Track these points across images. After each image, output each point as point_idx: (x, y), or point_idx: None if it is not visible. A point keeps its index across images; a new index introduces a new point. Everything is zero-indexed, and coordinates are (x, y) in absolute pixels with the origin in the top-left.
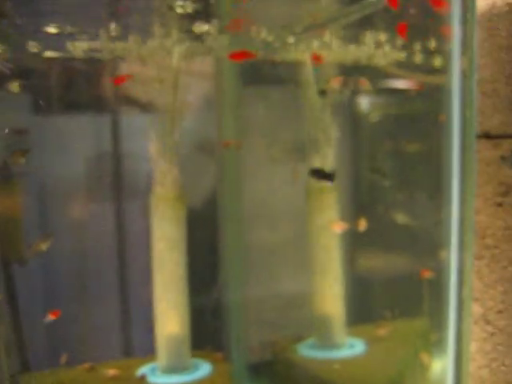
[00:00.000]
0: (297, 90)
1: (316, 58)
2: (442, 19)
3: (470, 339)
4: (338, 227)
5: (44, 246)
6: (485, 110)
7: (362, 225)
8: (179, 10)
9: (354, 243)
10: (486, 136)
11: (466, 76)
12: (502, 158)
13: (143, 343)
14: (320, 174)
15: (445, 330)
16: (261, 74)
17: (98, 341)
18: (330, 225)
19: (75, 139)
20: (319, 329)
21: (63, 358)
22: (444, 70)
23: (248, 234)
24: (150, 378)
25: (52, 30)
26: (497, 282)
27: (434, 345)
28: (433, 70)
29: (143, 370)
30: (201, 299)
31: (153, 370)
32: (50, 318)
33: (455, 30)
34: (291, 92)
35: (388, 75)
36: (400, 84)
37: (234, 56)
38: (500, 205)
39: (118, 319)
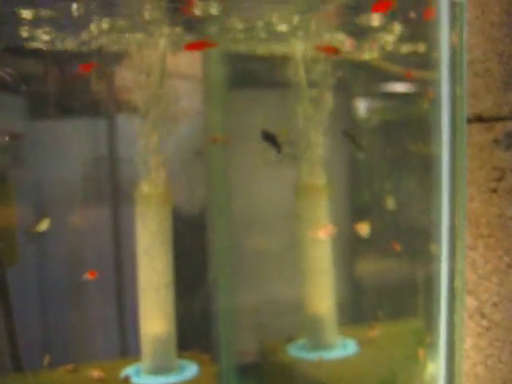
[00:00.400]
0: (288, 92)
1: (330, 50)
2: None
3: (463, 334)
4: (326, 232)
5: (43, 227)
6: (477, 91)
7: (364, 229)
8: None
9: (343, 241)
10: (479, 119)
11: (455, 51)
12: (495, 142)
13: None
14: (270, 139)
15: (436, 324)
16: (250, 75)
17: (86, 341)
18: (320, 225)
19: (67, 142)
20: (310, 329)
21: (46, 359)
22: (432, 45)
23: (239, 235)
24: (134, 380)
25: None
26: (492, 272)
27: (429, 346)
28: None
29: (127, 371)
30: (189, 300)
31: (137, 372)
32: (88, 277)
33: (444, 3)
34: (282, 93)
35: (379, 69)
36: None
37: (190, 47)
38: (494, 191)
39: (106, 320)
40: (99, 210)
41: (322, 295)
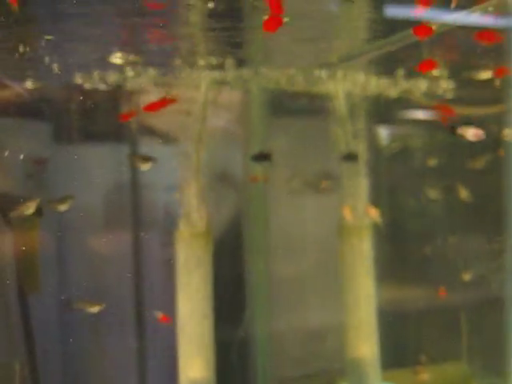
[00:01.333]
0: (326, 122)
1: (447, 111)
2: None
3: None
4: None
5: (145, 167)
6: None
7: (373, 213)
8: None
9: (392, 283)
10: None
11: None
12: None
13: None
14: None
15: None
16: (290, 105)
17: (106, 374)
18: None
19: (96, 169)
20: (352, 373)
21: None
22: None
23: (277, 271)
24: None
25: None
26: None
27: None
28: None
29: None
30: (227, 337)
31: None
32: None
33: None
34: (320, 123)
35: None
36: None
37: (148, 108)
38: None
39: (134, 360)
40: (123, 238)
41: (365, 337)
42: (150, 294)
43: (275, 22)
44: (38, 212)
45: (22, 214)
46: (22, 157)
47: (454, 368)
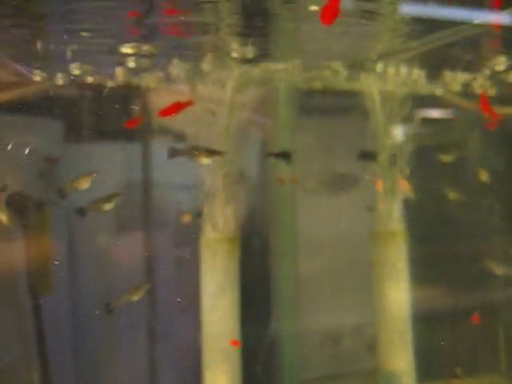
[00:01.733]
0: (359, 119)
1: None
2: None
3: None
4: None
5: (108, 206)
6: None
7: (405, 186)
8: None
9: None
10: None
11: None
12: None
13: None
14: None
15: None
16: (320, 102)
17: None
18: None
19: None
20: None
21: None
22: None
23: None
24: None
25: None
26: None
27: None
28: None
29: None
30: (253, 342)
31: None
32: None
33: None
34: (352, 121)
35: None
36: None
37: (163, 113)
38: None
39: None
40: (137, 238)
41: (400, 348)
42: (163, 294)
43: (332, 13)
44: (82, 212)
45: (76, 189)
46: (27, 151)
47: (491, 381)
